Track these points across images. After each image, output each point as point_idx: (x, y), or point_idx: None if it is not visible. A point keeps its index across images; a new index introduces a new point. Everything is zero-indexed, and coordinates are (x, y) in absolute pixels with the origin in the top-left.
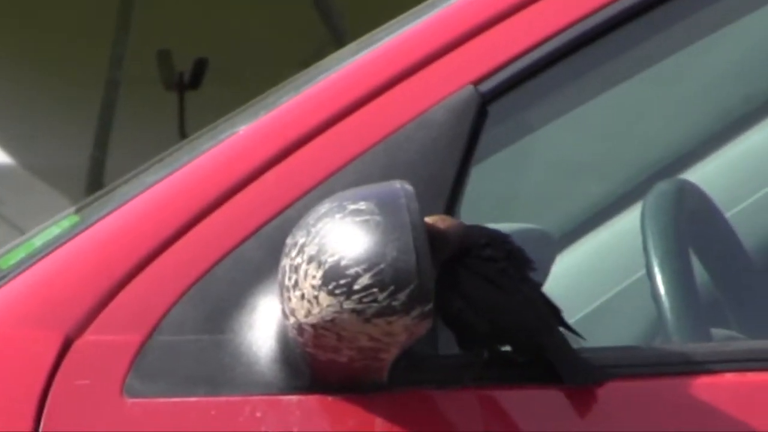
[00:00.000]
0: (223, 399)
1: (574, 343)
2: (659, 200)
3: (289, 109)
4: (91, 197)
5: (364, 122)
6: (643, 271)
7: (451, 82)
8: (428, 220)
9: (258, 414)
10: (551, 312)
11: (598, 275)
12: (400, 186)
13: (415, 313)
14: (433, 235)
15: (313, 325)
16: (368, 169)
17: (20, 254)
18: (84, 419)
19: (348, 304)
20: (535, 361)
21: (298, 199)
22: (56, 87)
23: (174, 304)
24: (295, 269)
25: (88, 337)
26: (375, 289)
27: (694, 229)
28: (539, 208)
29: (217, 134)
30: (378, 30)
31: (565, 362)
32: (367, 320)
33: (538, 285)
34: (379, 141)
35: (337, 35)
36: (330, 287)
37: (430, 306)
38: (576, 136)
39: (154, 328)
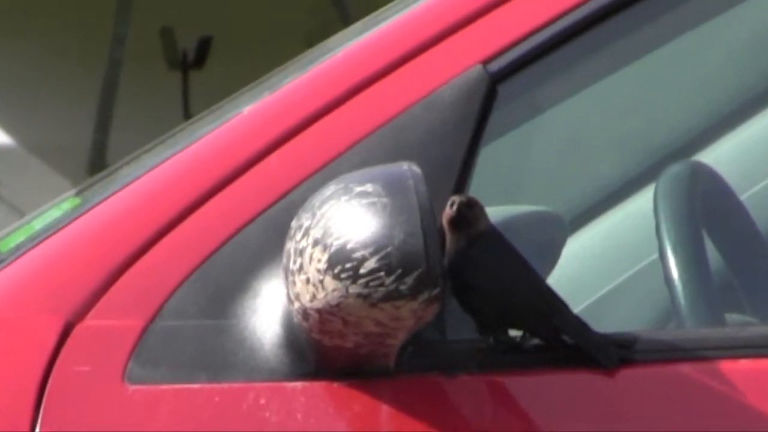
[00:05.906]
0: (226, 385)
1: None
2: (672, 182)
3: (295, 90)
4: (93, 179)
5: (370, 103)
6: (655, 255)
7: (459, 62)
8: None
9: (262, 400)
10: (558, 301)
11: (610, 259)
12: (408, 167)
13: (422, 297)
14: (459, 219)
15: (319, 310)
16: (375, 150)
17: (20, 237)
18: (85, 406)
19: (354, 289)
20: (547, 346)
21: (303, 181)
22: (57, 66)
23: (176, 288)
24: (300, 253)
25: (89, 322)
26: (382, 273)
27: (707, 211)
28: (550, 189)
29: (221, 115)
30: (385, 8)
31: (590, 342)
32: (374, 305)
33: (543, 279)
34: (387, 122)
35: (344, 12)
36: (336, 271)
37: (438, 290)
38: (587, 117)
39: (156, 313)
